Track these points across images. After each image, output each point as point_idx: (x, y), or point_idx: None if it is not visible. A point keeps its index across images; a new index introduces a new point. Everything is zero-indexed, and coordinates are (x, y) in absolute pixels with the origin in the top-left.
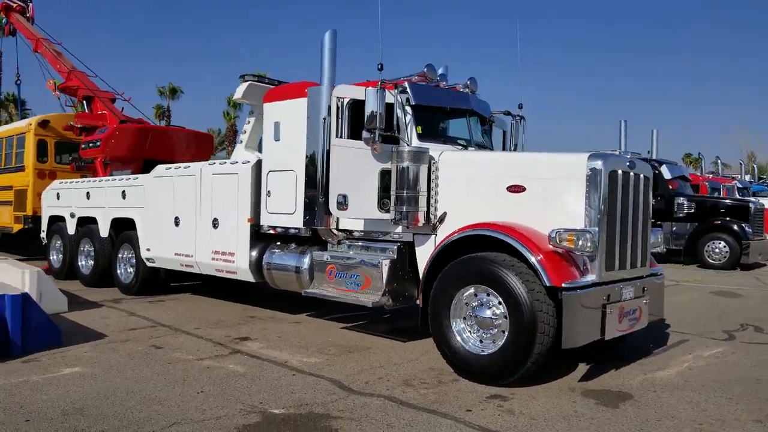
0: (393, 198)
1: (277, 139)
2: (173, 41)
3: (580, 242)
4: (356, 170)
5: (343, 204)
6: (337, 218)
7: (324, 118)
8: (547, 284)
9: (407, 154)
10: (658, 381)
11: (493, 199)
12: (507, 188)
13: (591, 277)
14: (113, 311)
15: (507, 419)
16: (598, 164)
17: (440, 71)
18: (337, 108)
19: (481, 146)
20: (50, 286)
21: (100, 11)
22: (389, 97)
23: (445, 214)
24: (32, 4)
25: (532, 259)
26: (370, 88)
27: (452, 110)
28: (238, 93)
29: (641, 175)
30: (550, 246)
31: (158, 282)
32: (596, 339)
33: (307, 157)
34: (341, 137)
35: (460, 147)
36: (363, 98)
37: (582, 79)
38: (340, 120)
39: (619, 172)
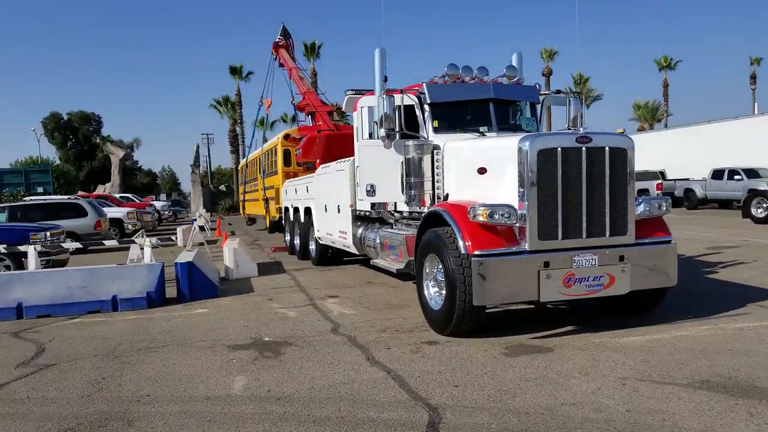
0: (404, 184)
1: (358, 140)
2: None
3: (496, 216)
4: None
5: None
6: (395, 202)
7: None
8: (463, 252)
9: (412, 147)
10: (609, 344)
11: (469, 179)
12: (477, 170)
13: (525, 246)
14: (284, 276)
15: (403, 355)
16: (525, 145)
17: (512, 62)
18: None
19: (513, 129)
20: (244, 257)
21: None
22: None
23: (447, 194)
24: (291, 39)
25: (455, 232)
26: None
27: (473, 101)
28: (344, 105)
29: (606, 148)
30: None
31: (329, 256)
32: (530, 300)
33: None
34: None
35: (479, 135)
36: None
37: None
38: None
39: (559, 149)
